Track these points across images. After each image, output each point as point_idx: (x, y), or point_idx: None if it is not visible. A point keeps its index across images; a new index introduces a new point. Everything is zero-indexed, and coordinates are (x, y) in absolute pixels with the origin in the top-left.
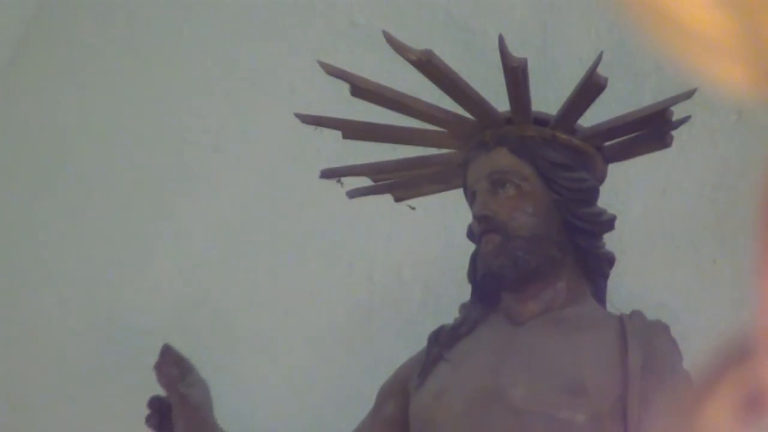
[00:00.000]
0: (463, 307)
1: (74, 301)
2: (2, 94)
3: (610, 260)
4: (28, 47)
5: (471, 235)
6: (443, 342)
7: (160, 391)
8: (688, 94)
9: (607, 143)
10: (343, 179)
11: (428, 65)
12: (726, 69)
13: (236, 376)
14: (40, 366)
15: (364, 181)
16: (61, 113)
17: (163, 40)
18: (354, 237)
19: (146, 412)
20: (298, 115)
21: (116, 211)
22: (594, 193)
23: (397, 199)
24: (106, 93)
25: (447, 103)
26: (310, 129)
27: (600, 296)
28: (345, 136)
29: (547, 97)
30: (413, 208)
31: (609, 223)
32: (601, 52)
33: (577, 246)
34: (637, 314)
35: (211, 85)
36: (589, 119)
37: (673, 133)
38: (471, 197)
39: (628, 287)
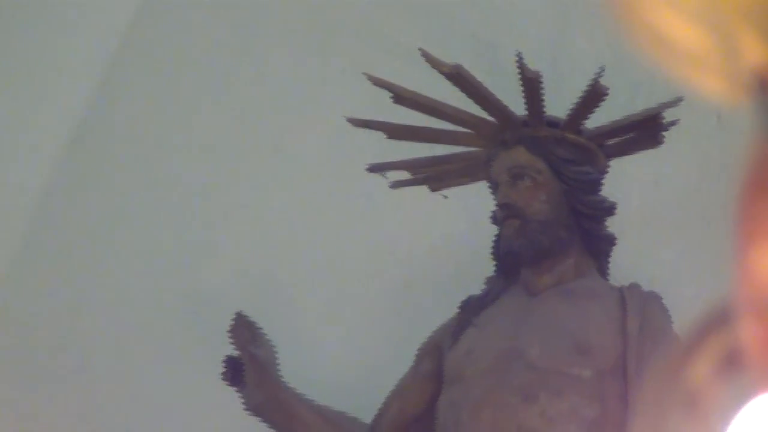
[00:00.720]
0: (488, 280)
1: (162, 275)
2: (108, 97)
3: (611, 241)
4: (125, 62)
5: (495, 219)
6: (472, 309)
7: (235, 352)
8: (676, 102)
9: (608, 142)
10: (387, 173)
11: (458, 77)
12: (707, 80)
13: (298, 339)
14: (131, 331)
15: (404, 175)
16: (156, 117)
17: (238, 60)
18: (396, 222)
19: (222, 369)
20: (348, 119)
21: (198, 197)
22: (597, 184)
23: (432, 190)
24: (194, 99)
25: (473, 109)
26: (358, 130)
27: (603, 271)
28: (389, 137)
29: (557, 103)
30: (446, 197)
31: (610, 209)
32: (603, 66)
33: (583, 228)
34: (634, 286)
35: (278, 95)
36: (593, 122)
37: (664, 133)
38: (494, 188)
39: (627, 263)
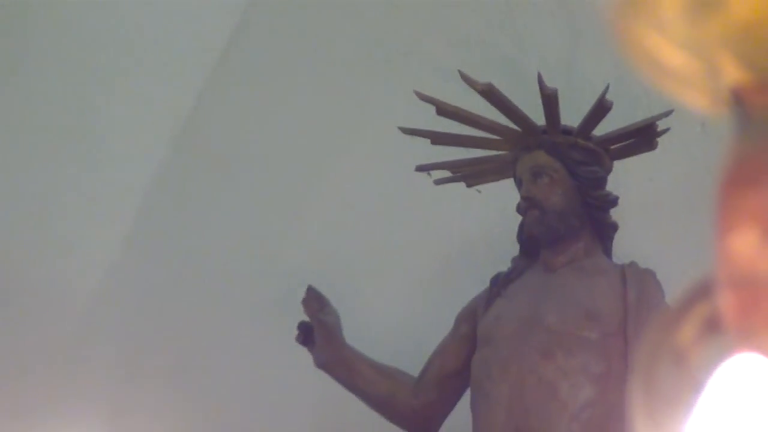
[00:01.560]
0: (514, 260)
1: (255, 260)
2: (207, 104)
3: (614, 227)
4: (231, 58)
5: (519, 209)
6: (500, 283)
7: (306, 319)
8: (667, 113)
9: (612, 146)
10: (432, 172)
11: (489, 93)
12: (693, 96)
13: (357, 308)
14: (215, 303)
15: (445, 173)
16: (248, 122)
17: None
18: (439, 211)
19: (296, 333)
20: (401, 128)
21: (281, 185)
22: (604, 181)
23: (468, 185)
24: (280, 107)
25: (501, 119)
26: (410, 137)
27: (608, 252)
28: (433, 143)
29: (570, 114)
30: (479, 191)
31: (614, 202)
32: (608, 84)
33: (591, 217)
34: (633, 264)
35: (349, 109)
36: (600, 130)
37: (658, 139)
38: (519, 184)
39: (627, 246)
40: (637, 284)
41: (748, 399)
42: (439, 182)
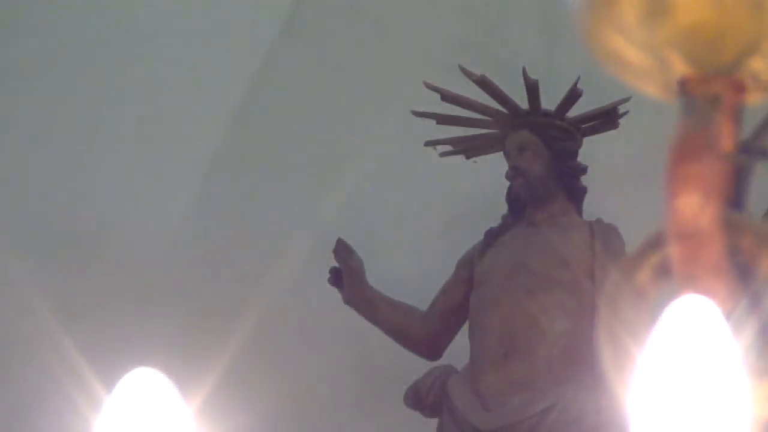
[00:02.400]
0: (504, 217)
1: (291, 210)
2: (262, 90)
3: (584, 191)
4: (282, 51)
5: (508, 176)
6: (493, 236)
7: (336, 265)
8: (626, 99)
9: (583, 126)
10: (437, 147)
11: (483, 83)
12: (647, 86)
13: (379, 256)
14: (268, 255)
15: (448, 148)
16: (315, 98)
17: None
18: (444, 177)
19: (328, 276)
20: (413, 111)
21: (322, 156)
22: (576, 154)
23: (467, 158)
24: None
25: (493, 104)
26: (420, 119)
27: (579, 211)
28: (438, 123)
29: (549, 100)
30: (476, 162)
31: (584, 170)
32: (579, 76)
33: (566, 183)
34: (599, 220)
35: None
36: (572, 112)
37: (619, 120)
38: (507, 156)
39: (594, 206)
40: (603, 237)
41: (691, 330)
42: (443, 155)
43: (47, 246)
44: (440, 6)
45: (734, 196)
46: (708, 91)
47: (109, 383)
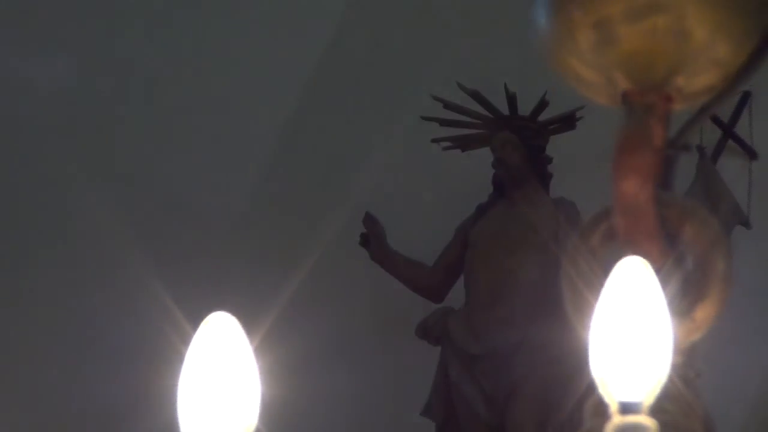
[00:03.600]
0: (490, 195)
1: (334, 188)
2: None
3: (551, 176)
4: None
5: (493, 165)
6: (482, 209)
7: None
8: (582, 107)
9: (550, 127)
10: (441, 143)
11: (475, 95)
12: (599, 97)
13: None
14: (318, 220)
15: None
16: (357, 104)
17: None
18: (448, 168)
19: (359, 240)
20: (422, 117)
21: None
22: (544, 148)
23: (463, 151)
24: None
25: (482, 111)
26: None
27: (547, 191)
28: (441, 125)
29: (524, 107)
30: (469, 154)
31: (550, 161)
32: (546, 91)
33: (537, 170)
34: (562, 198)
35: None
36: (542, 117)
37: (577, 123)
38: (493, 150)
39: (558, 187)
40: (564, 210)
41: (631, 282)
42: (445, 149)
43: (154, 214)
44: (443, 38)
45: (664, 180)
46: (644, 101)
47: (196, 322)
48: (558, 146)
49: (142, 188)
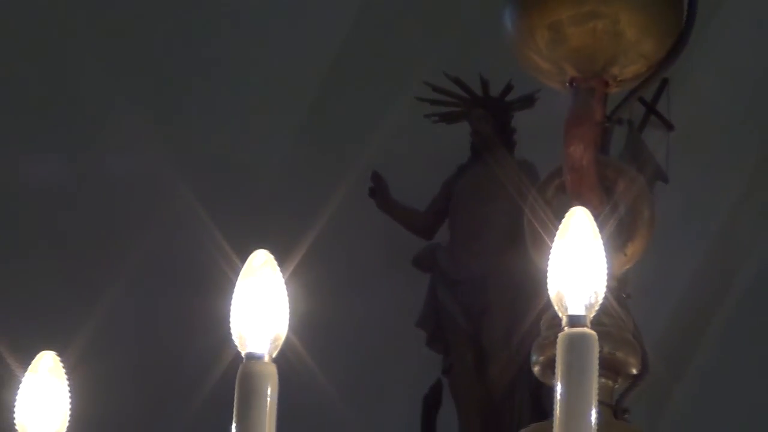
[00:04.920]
0: (468, 158)
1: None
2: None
3: (515, 144)
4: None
5: (471, 135)
6: (462, 168)
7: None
8: (538, 90)
9: (513, 106)
10: (432, 117)
11: (457, 81)
12: (552, 82)
13: (400, 179)
14: (341, 177)
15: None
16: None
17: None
18: (437, 132)
19: (368, 192)
20: (416, 97)
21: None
22: (510, 121)
23: (448, 123)
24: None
25: (462, 93)
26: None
27: (512, 154)
28: (432, 104)
29: (495, 90)
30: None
31: (514, 131)
32: (511, 78)
33: (504, 139)
34: (524, 160)
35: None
36: (508, 97)
37: (536, 103)
38: (470, 122)
39: (521, 152)
40: (526, 169)
41: (577, 226)
42: (435, 122)
43: (211, 166)
44: (434, 36)
45: (602, 147)
46: (587, 86)
47: (244, 257)
48: (521, 120)
49: (200, 142)
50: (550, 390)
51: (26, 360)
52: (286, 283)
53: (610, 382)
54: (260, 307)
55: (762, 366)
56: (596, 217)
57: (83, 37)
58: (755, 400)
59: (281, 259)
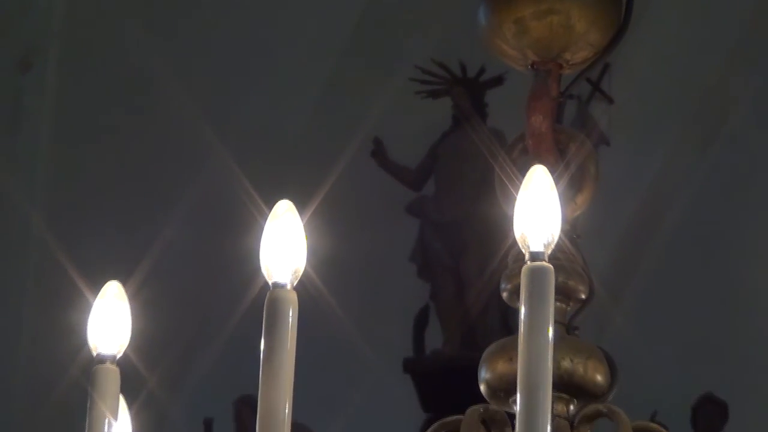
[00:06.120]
0: (450, 126)
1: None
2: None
3: (487, 115)
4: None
5: (454, 108)
6: (445, 135)
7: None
8: (506, 72)
9: (487, 84)
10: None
11: (441, 64)
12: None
13: (395, 142)
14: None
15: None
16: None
17: None
18: (428, 106)
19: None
20: (410, 78)
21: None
22: (483, 97)
23: (434, 98)
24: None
25: (445, 74)
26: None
27: (485, 124)
28: (422, 82)
29: (472, 71)
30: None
31: (487, 105)
32: (484, 62)
33: (479, 112)
34: (494, 128)
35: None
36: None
37: (504, 82)
38: (452, 98)
39: (492, 121)
40: (496, 135)
41: (536, 179)
42: (423, 98)
43: (242, 135)
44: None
45: (557, 117)
46: (545, 68)
47: (270, 204)
48: (492, 96)
49: (237, 113)
50: (516, 312)
51: (96, 287)
52: (305, 225)
53: (564, 305)
54: (283, 245)
55: (686, 293)
56: (552, 173)
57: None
58: (680, 320)
59: (300, 207)
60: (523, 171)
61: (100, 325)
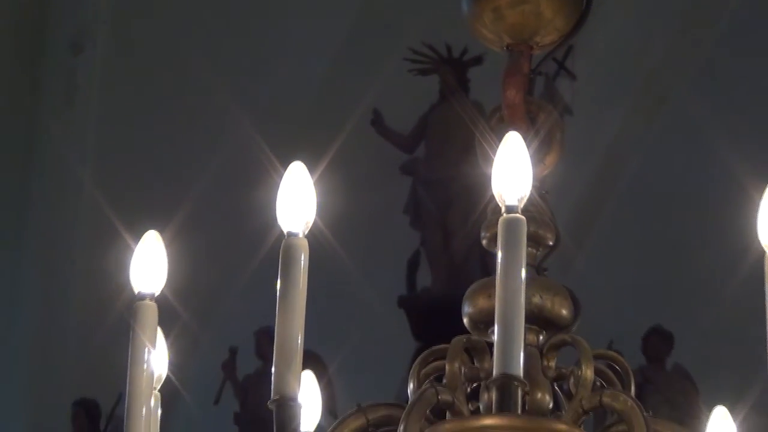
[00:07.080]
0: (437, 99)
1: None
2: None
3: (469, 89)
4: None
5: (440, 84)
6: (432, 107)
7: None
8: (485, 52)
9: (469, 64)
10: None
11: (430, 47)
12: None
13: (391, 113)
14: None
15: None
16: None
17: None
18: (419, 82)
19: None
20: (404, 57)
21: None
22: (466, 75)
23: (424, 75)
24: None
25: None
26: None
27: (468, 97)
28: (413, 62)
29: (457, 52)
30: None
31: (469, 81)
32: (466, 44)
33: (463, 86)
34: (475, 100)
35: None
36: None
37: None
38: (439, 75)
39: (473, 95)
40: (477, 106)
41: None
42: (414, 75)
43: (262, 104)
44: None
45: (528, 90)
46: (518, 49)
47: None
48: (474, 73)
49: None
50: (494, 256)
51: (138, 236)
52: (315, 183)
53: (534, 251)
54: (296, 200)
55: (638, 239)
56: (524, 139)
57: None
58: (633, 263)
59: (311, 167)
60: (499, 137)
61: (140, 267)
